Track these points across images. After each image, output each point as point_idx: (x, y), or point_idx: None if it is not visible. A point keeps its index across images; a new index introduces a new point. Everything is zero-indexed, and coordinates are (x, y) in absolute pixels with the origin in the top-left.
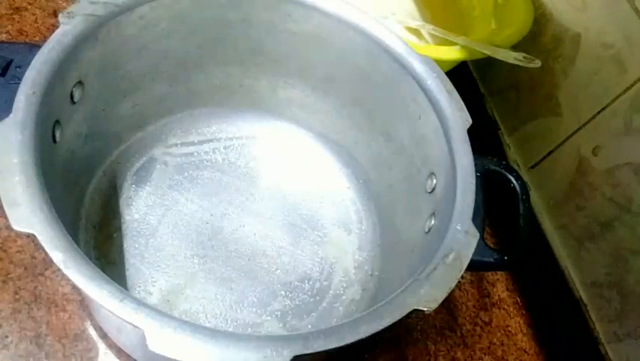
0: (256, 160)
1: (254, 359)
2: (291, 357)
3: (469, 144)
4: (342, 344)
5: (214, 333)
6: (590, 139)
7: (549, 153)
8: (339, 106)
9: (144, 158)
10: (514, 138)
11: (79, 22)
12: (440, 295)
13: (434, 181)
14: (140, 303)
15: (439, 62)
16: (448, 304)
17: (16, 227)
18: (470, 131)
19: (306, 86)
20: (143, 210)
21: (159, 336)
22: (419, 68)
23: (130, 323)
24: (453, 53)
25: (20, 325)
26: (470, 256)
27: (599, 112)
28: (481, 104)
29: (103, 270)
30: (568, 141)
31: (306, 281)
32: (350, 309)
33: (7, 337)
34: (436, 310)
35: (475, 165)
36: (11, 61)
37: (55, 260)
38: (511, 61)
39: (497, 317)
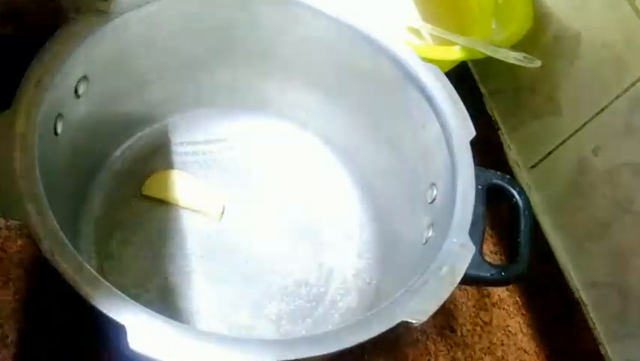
0: (260, 162)
1: None
2: None
3: (471, 155)
4: (326, 352)
5: (197, 334)
6: (590, 139)
7: (549, 153)
8: (345, 111)
9: (149, 155)
10: (514, 138)
11: (86, 17)
12: (431, 308)
13: (435, 192)
14: (126, 299)
15: (439, 62)
16: (448, 304)
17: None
18: None
19: (313, 90)
20: (145, 207)
21: (141, 334)
22: (425, 76)
23: (112, 319)
24: (453, 53)
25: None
26: (464, 269)
27: (599, 112)
28: (481, 104)
29: (101, 265)
30: (568, 140)
31: (303, 286)
32: (346, 317)
33: (7, 337)
34: (436, 311)
35: (479, 178)
36: None
37: (42, 249)
38: (511, 61)
39: (497, 316)
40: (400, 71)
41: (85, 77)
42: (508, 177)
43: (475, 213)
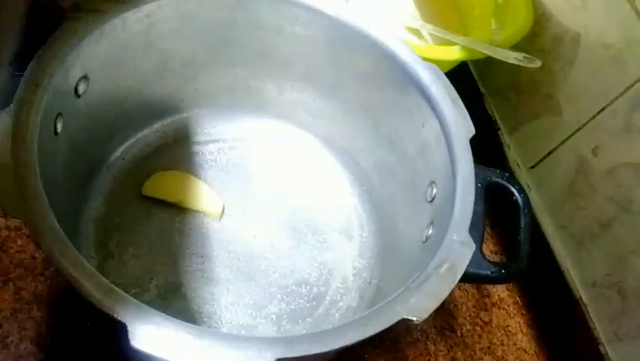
0: (260, 162)
1: (236, 360)
2: (273, 360)
3: (470, 153)
4: (326, 349)
5: (198, 331)
6: (590, 139)
7: (549, 153)
8: (344, 111)
9: (149, 156)
10: (514, 138)
11: (85, 17)
12: (431, 305)
13: (434, 190)
14: (126, 297)
15: (439, 62)
16: (448, 304)
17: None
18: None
19: (313, 90)
20: (145, 207)
21: (142, 332)
22: (424, 75)
23: (113, 317)
24: (453, 53)
25: (20, 325)
26: (464, 267)
27: (599, 112)
28: (481, 104)
29: (101, 264)
30: (568, 141)
31: (304, 286)
32: (346, 316)
33: (7, 337)
34: (436, 311)
35: (478, 176)
36: None
37: (42, 247)
38: (511, 61)
39: (497, 316)
40: (400, 71)
41: (85, 77)
42: (507, 175)
43: (474, 211)
